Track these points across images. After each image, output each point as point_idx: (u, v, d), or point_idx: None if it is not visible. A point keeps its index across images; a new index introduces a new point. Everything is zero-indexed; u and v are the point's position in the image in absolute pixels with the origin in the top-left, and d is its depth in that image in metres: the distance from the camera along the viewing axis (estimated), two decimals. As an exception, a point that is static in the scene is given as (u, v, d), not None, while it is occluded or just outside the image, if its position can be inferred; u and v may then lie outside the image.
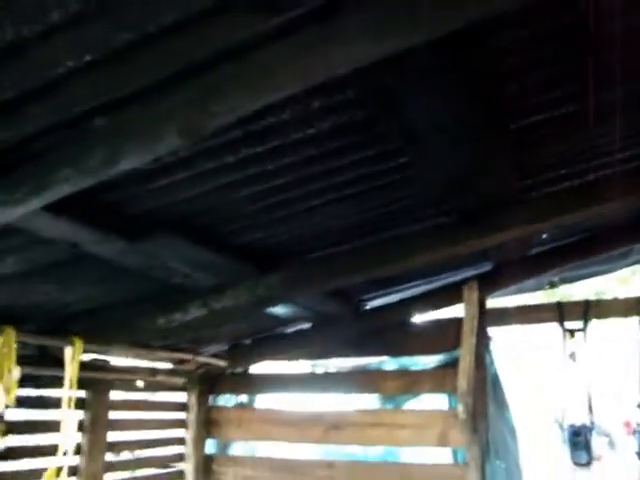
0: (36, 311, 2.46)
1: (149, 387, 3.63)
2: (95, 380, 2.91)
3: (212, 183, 1.87)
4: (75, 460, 3.01)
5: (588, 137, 2.11)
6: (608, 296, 7.27)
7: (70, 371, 2.16)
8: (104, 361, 2.97)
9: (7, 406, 1.97)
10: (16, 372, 1.97)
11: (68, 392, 2.28)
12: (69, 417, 2.11)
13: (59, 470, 2.21)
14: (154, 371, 3.45)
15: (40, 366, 2.34)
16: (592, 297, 7.32)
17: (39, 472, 2.71)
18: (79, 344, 2.30)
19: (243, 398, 4.13)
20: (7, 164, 1.51)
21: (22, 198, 1.53)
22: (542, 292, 4.86)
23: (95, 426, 3.17)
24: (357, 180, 2.04)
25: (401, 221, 2.48)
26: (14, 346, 2.01)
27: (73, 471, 2.99)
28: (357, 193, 2.13)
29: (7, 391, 1.93)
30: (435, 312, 3.89)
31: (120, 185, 1.76)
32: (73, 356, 2.18)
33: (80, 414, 3.02)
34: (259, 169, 1.83)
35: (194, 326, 2.87)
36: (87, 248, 1.99)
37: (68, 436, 2.31)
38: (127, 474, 3.38)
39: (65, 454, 2.40)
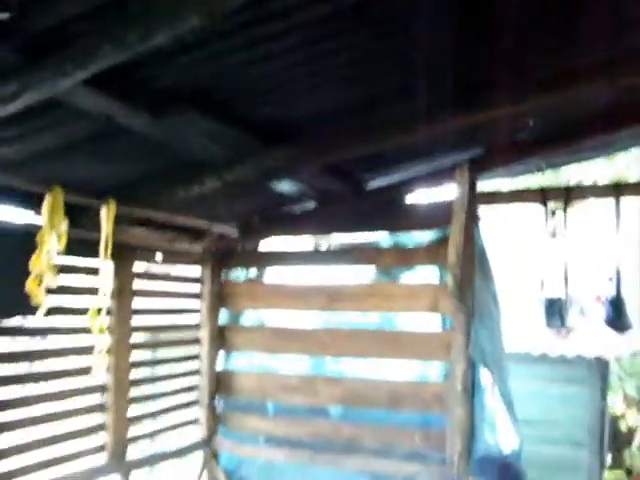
0: (71, 184, 2.78)
1: (168, 260, 4.00)
2: (121, 249, 3.21)
3: (226, 61, 2.16)
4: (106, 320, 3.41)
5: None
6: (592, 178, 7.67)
7: (105, 229, 2.50)
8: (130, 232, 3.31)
9: (58, 252, 2.31)
10: (64, 224, 2.30)
11: (103, 252, 2.62)
12: (107, 266, 2.44)
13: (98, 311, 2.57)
14: (173, 242, 3.80)
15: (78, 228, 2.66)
16: (580, 178, 7.73)
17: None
18: (113, 205, 2.64)
19: (252, 273, 4.48)
20: (57, 43, 1.80)
21: (70, 71, 1.82)
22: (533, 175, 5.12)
23: (122, 293, 3.54)
24: (356, 61, 2.33)
25: (396, 100, 2.75)
26: (62, 202, 2.35)
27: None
28: (356, 74, 2.42)
29: (59, 238, 2.27)
30: (429, 192, 4.22)
31: (147, 63, 2.05)
32: (108, 216, 2.52)
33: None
34: (266, 49, 2.12)
35: (210, 199, 3.22)
36: (119, 120, 2.30)
37: (104, 292, 2.65)
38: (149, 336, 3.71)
39: (100, 312, 2.76)
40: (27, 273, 2.67)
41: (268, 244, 4.49)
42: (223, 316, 4.45)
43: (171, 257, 3.95)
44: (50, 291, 2.65)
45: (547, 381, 6.02)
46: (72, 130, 2.40)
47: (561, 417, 5.96)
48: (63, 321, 3.19)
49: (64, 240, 2.30)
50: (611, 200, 3.79)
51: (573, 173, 7.79)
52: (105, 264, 2.50)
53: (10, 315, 2.76)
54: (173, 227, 3.70)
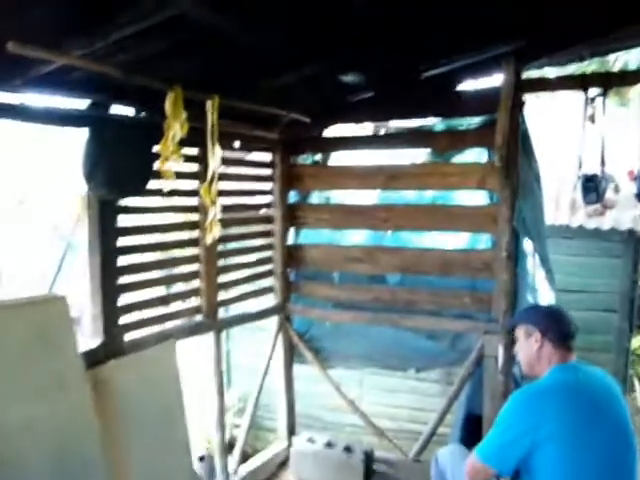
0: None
1: (244, 147, 4.51)
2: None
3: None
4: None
5: None
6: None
7: (211, 119, 2.97)
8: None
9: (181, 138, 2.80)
10: (184, 115, 2.78)
11: (210, 139, 3.09)
12: (216, 151, 2.91)
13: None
14: (252, 130, 4.30)
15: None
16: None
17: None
18: (217, 99, 3.12)
19: (318, 157, 4.98)
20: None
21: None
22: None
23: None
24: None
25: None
26: (182, 97, 2.84)
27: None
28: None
29: (181, 126, 2.77)
30: (479, 81, 4.57)
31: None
32: (213, 108, 2.99)
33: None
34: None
35: (285, 91, 3.66)
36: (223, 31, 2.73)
37: (213, 170, 3.14)
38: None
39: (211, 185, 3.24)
40: (147, 159, 3.22)
41: (332, 131, 4.94)
42: (292, 197, 4.98)
43: (246, 144, 4.44)
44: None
45: (584, 254, 6.53)
46: (180, 38, 2.83)
47: (596, 286, 6.50)
48: (174, 201, 3.82)
49: (185, 128, 2.80)
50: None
51: (618, 62, 7.98)
52: (214, 150, 2.99)
53: (133, 194, 3.33)
54: (252, 117, 4.17)
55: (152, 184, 3.31)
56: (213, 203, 3.05)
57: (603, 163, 4.27)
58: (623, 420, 2.89)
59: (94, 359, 3.20)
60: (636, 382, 8.31)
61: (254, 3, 2.56)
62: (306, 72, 3.54)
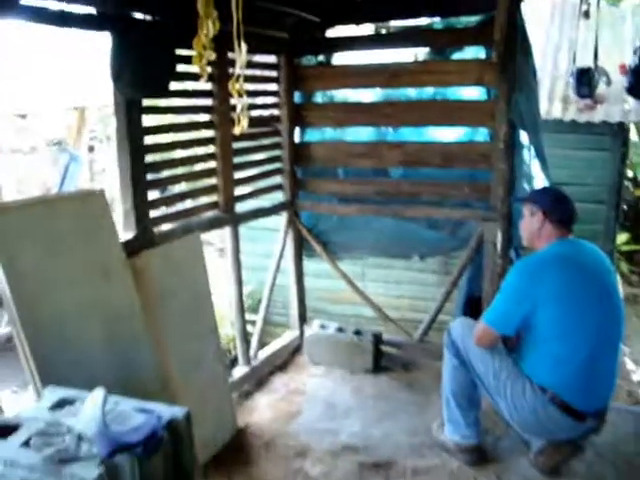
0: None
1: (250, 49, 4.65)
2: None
3: None
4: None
5: None
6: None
7: (236, 17, 3.13)
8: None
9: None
10: (215, 13, 2.95)
11: (235, 38, 3.25)
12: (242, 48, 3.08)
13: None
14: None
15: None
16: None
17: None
18: None
19: (321, 58, 5.13)
20: None
21: None
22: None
23: (221, 77, 4.21)
24: None
25: None
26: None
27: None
28: None
29: (213, 23, 2.95)
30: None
31: None
32: (237, 6, 3.14)
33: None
34: None
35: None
36: None
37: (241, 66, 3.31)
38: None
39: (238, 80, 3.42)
40: (171, 61, 3.43)
41: (334, 32, 5.09)
42: (297, 97, 5.16)
43: (258, 45, 4.59)
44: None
45: (575, 147, 6.83)
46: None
47: (586, 178, 6.83)
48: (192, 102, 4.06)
49: (217, 25, 2.97)
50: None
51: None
52: (240, 48, 3.16)
53: (157, 94, 3.55)
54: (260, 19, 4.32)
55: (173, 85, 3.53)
56: (240, 96, 3.25)
57: (596, 57, 4.48)
58: (612, 286, 3.29)
59: (130, 249, 3.47)
60: (618, 277, 8.82)
61: None
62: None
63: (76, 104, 11.40)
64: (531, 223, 3.47)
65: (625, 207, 9.62)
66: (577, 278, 3.24)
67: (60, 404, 2.20)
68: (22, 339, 2.71)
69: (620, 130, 6.72)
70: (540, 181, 4.62)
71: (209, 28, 2.89)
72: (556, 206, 3.41)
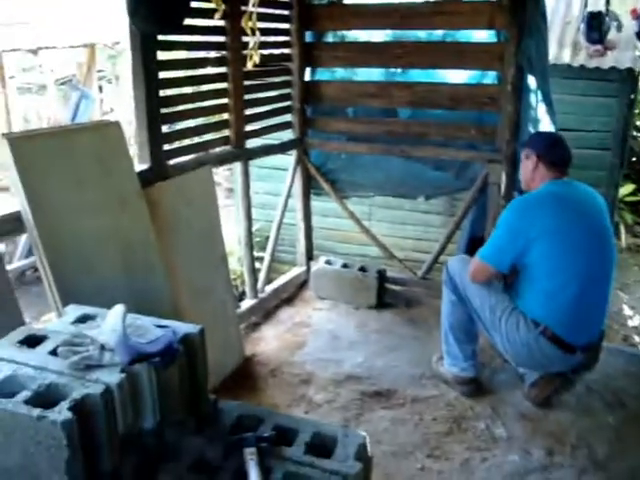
0: None
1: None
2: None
3: None
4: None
5: None
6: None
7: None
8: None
9: None
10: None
11: None
12: None
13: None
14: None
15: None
16: None
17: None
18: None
19: (333, -3, 5.17)
20: None
21: None
22: None
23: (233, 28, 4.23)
24: None
25: None
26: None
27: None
28: None
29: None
30: None
31: None
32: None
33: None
34: None
35: None
36: None
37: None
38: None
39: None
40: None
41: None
42: (308, 36, 5.20)
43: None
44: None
45: (583, 93, 6.85)
46: None
47: (592, 125, 6.88)
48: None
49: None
50: None
51: None
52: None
53: (172, 29, 3.62)
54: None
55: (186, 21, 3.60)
56: (253, 34, 3.33)
57: (608, 2, 4.50)
58: (604, 225, 3.43)
59: (144, 180, 3.59)
60: (622, 227, 9.02)
61: None
62: None
63: (86, 41, 11.40)
64: (526, 166, 3.60)
65: (633, 158, 9.68)
66: (568, 216, 3.38)
67: (82, 319, 2.34)
68: (45, 264, 2.86)
69: (629, 76, 6.74)
70: (546, 125, 4.69)
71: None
72: (549, 149, 3.53)
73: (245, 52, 4.05)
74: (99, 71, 12.93)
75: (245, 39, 4.10)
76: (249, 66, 3.38)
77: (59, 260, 2.88)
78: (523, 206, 3.49)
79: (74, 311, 2.43)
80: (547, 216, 3.34)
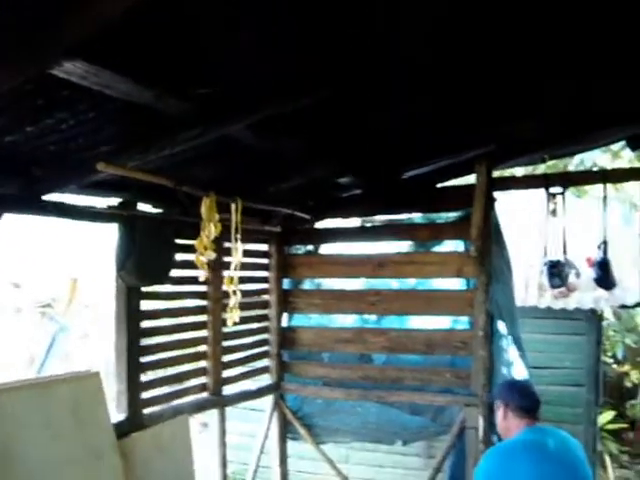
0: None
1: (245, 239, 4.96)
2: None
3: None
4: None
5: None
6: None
7: (235, 219, 3.43)
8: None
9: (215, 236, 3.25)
10: (217, 217, 3.24)
11: (234, 235, 3.53)
12: (239, 245, 3.36)
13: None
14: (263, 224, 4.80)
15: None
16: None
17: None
18: (240, 201, 3.61)
19: (310, 247, 5.45)
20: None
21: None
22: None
23: (218, 265, 4.46)
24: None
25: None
26: (215, 202, 3.31)
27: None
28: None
29: (215, 226, 3.23)
30: (455, 180, 5.13)
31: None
32: (236, 209, 3.46)
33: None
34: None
35: (289, 192, 4.17)
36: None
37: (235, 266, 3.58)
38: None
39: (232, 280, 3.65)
40: (171, 251, 3.69)
41: (323, 224, 5.45)
42: (286, 283, 5.42)
43: (252, 236, 4.89)
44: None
45: (552, 332, 7.06)
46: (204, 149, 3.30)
47: (564, 362, 7.01)
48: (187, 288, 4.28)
49: (219, 228, 3.26)
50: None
51: (575, 159, 8.93)
52: (237, 245, 3.44)
53: (158, 282, 3.77)
54: (257, 213, 4.66)
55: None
56: (234, 292, 3.49)
57: (565, 251, 4.77)
58: (586, 475, 3.37)
59: (120, 432, 3.54)
60: (607, 458, 8.69)
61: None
62: (315, 174, 4.07)
63: (69, 274, 11.64)
64: (498, 416, 3.61)
65: (606, 385, 9.70)
66: (550, 467, 3.32)
67: None
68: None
69: (593, 315, 6.99)
70: (519, 368, 4.78)
71: (211, 230, 3.19)
72: (514, 396, 3.55)
73: (225, 302, 4.18)
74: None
75: (225, 288, 4.24)
76: (229, 324, 3.50)
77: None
78: (499, 456, 3.44)
79: None
80: (526, 466, 3.29)
